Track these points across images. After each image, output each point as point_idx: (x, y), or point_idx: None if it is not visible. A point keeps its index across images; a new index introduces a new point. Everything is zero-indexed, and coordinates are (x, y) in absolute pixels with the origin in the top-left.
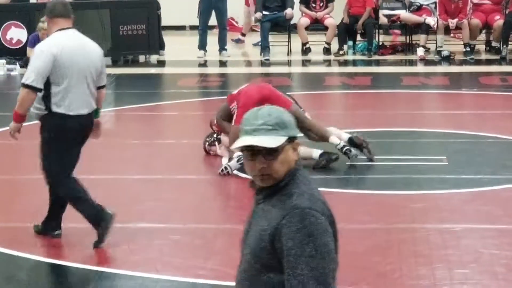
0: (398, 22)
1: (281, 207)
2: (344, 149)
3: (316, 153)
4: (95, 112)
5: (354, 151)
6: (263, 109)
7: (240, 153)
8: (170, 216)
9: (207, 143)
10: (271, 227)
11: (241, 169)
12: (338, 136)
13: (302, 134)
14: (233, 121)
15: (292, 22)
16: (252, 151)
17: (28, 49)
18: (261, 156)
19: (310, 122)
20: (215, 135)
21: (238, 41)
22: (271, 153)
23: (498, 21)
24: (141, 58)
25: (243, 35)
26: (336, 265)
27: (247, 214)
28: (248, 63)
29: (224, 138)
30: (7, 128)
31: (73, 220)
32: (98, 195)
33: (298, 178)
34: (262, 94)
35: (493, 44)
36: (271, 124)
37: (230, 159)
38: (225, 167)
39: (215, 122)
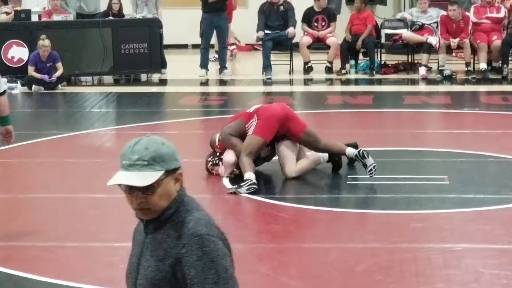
0: (400, 41)
1: (177, 236)
2: (361, 153)
3: (324, 156)
4: (5, 120)
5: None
6: (141, 142)
7: (249, 177)
8: None
9: (210, 163)
10: (171, 257)
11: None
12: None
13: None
14: (251, 131)
15: (294, 41)
16: (129, 187)
17: (29, 67)
18: (137, 191)
19: (324, 143)
20: (218, 154)
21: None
22: (148, 188)
23: (496, 41)
24: (143, 77)
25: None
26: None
27: (247, 233)
28: (250, 82)
29: (226, 155)
30: (8, 147)
31: (73, 239)
32: (97, 213)
33: (188, 204)
34: (285, 112)
35: (493, 64)
36: (146, 159)
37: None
38: (235, 188)
39: (217, 141)
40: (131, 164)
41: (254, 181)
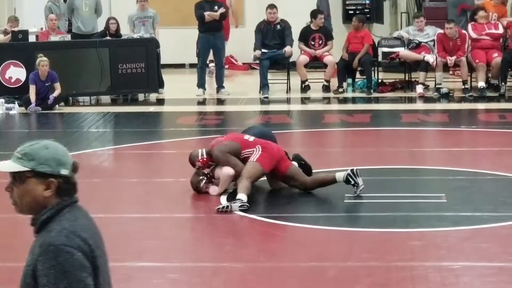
0: (397, 60)
1: (41, 243)
2: (354, 171)
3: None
4: None
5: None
6: (41, 141)
7: (242, 197)
8: (168, 255)
9: (203, 182)
10: (32, 263)
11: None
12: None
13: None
14: (254, 158)
15: (291, 59)
16: (11, 178)
17: (30, 86)
18: (11, 181)
19: (312, 179)
20: (206, 173)
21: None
22: (15, 180)
23: (496, 58)
24: (140, 97)
25: None
26: None
27: (245, 252)
28: (247, 101)
29: (225, 169)
30: None
31: None
32: None
33: (65, 215)
34: (281, 154)
35: (492, 81)
36: (21, 153)
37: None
38: (227, 206)
39: (199, 155)
40: (13, 154)
41: (246, 202)
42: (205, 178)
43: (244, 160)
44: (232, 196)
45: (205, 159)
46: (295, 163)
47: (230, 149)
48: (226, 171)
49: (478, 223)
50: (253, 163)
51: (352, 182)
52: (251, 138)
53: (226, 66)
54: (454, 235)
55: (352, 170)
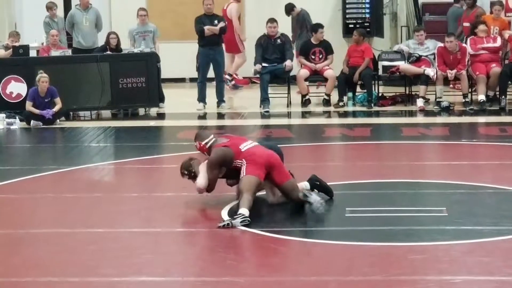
0: (398, 73)
1: None
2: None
3: (305, 185)
4: None
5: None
6: None
7: (244, 212)
8: (169, 269)
9: (187, 177)
10: None
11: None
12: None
13: None
14: (243, 172)
15: (291, 73)
16: None
17: (27, 102)
18: None
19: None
20: (192, 170)
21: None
22: None
23: (494, 68)
24: (141, 111)
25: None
26: None
27: (246, 266)
28: (248, 115)
29: (200, 179)
30: (7, 182)
31: (73, 274)
32: (96, 248)
33: None
34: (270, 161)
35: (488, 93)
36: None
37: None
38: (227, 224)
39: (203, 142)
40: None
41: (248, 216)
42: (188, 175)
43: (235, 169)
44: (233, 211)
45: (205, 148)
46: (292, 179)
47: (225, 158)
48: (200, 184)
49: (479, 237)
50: (245, 177)
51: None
52: (244, 148)
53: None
54: (455, 249)
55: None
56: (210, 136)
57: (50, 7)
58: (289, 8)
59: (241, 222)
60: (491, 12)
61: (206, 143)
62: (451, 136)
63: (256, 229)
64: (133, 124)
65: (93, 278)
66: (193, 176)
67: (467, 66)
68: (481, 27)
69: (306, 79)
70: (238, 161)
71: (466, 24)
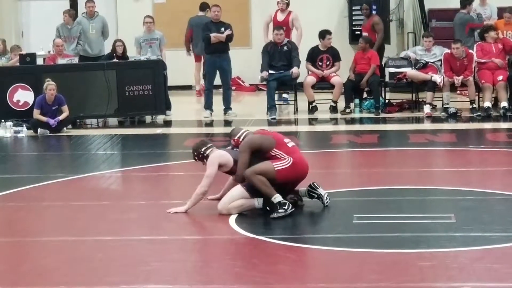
0: (404, 80)
1: None
2: (310, 187)
3: (258, 202)
4: None
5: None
6: None
7: (279, 199)
8: (177, 277)
9: (196, 158)
10: None
11: (248, 228)
12: None
13: None
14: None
15: (298, 80)
16: None
17: (35, 110)
18: None
19: None
20: (203, 151)
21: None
22: None
23: (500, 82)
24: (148, 119)
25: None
26: None
27: (254, 274)
28: (255, 122)
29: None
30: (15, 190)
31: (81, 282)
32: (103, 256)
33: None
34: (303, 176)
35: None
36: None
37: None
38: (284, 210)
39: (237, 136)
40: None
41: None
42: (197, 157)
43: (267, 158)
44: (267, 201)
45: (239, 142)
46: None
47: (262, 143)
48: (197, 190)
49: (488, 243)
50: (270, 166)
51: (316, 196)
52: (290, 144)
53: (233, 88)
54: (464, 256)
55: (310, 185)
56: (243, 129)
57: (66, 12)
58: None
59: (288, 206)
60: (501, 18)
61: (239, 137)
62: (458, 142)
63: (263, 237)
64: (140, 131)
65: (100, 286)
66: (201, 158)
67: (474, 72)
68: (492, 33)
69: (313, 86)
70: (279, 152)
71: (365, 34)
